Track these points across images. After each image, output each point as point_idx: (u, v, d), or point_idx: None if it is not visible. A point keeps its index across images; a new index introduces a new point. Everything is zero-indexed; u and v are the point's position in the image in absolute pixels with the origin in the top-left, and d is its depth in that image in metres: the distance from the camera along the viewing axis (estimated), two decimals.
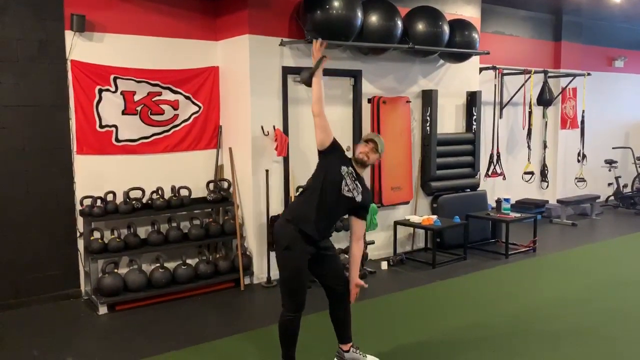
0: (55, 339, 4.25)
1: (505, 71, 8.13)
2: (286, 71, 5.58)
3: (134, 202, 5.17)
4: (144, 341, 4.18)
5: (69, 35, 4.97)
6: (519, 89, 8.23)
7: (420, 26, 6.13)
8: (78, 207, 5.11)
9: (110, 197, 5.14)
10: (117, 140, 5.28)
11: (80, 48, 5.03)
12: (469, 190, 7.23)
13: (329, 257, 3.54)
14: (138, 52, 5.33)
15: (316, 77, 3.44)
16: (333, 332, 3.69)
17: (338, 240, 5.89)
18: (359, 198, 3.45)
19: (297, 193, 5.64)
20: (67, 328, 4.48)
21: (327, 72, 5.73)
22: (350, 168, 3.45)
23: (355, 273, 3.55)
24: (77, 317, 4.73)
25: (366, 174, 6.19)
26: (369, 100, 6.27)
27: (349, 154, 3.58)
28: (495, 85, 8.06)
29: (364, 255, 5.81)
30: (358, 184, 3.47)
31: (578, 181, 9.03)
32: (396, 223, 6.44)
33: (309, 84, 3.49)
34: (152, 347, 4.03)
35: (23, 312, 4.81)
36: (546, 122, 9.01)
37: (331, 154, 3.45)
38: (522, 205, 8.38)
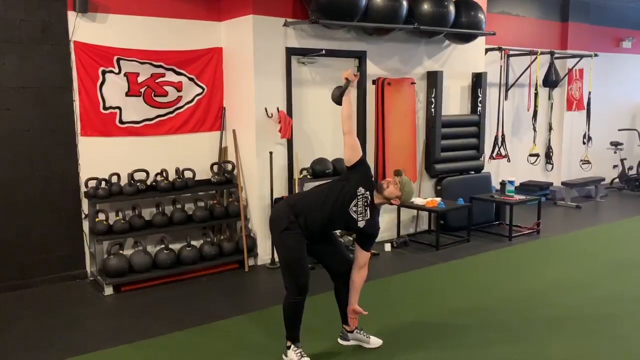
0: (61, 319, 4.30)
1: (511, 52, 8.05)
2: (290, 52, 5.54)
3: (138, 184, 5.19)
4: (149, 321, 4.23)
5: (71, 16, 4.94)
6: (524, 70, 8.17)
7: (426, 6, 6.06)
8: (83, 189, 5.13)
9: (114, 179, 5.16)
10: (121, 122, 5.28)
11: (83, 29, 5.00)
12: (473, 172, 7.22)
13: (328, 240, 3.56)
14: (141, 33, 5.30)
15: (346, 96, 3.47)
16: (337, 313, 3.73)
17: None
18: (361, 224, 3.43)
19: (301, 175, 5.64)
20: (73, 308, 4.52)
21: (331, 53, 5.74)
22: (368, 193, 3.43)
23: (354, 300, 3.57)
24: (83, 298, 4.78)
25: (370, 157, 6.23)
26: (374, 82, 6.23)
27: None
28: (500, 66, 7.98)
29: None
30: (368, 211, 3.44)
31: (583, 163, 9.00)
32: (400, 205, 6.43)
33: (339, 102, 3.51)
34: (157, 328, 4.08)
35: (29, 293, 4.86)
36: (552, 103, 8.95)
37: (356, 172, 3.44)
38: (526, 188, 8.37)
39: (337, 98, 3.53)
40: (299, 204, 3.44)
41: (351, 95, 3.51)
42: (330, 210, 3.38)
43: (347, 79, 3.49)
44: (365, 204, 3.43)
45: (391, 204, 3.51)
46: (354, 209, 3.40)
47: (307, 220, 3.37)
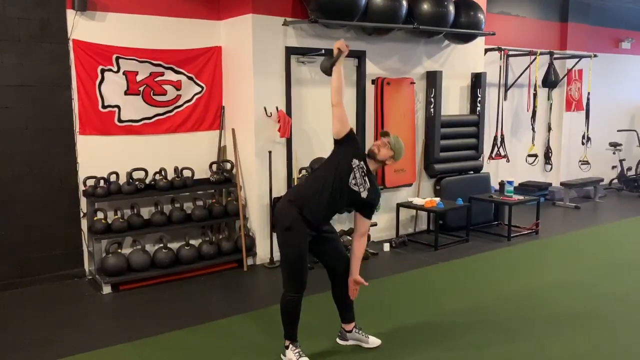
0: (59, 318, 4.29)
1: (510, 52, 8.05)
2: (289, 51, 5.53)
3: (137, 182, 5.18)
4: (147, 320, 4.22)
5: (70, 14, 4.93)
6: (524, 71, 8.17)
7: (425, 6, 6.06)
8: (81, 188, 5.12)
9: (113, 178, 5.15)
10: (119, 120, 5.27)
11: (82, 27, 4.99)
12: (472, 172, 7.22)
13: (330, 239, 3.55)
14: (140, 32, 5.29)
15: (336, 67, 3.42)
16: (336, 312, 3.72)
17: (341, 222, 5.90)
18: (364, 194, 3.42)
19: (300, 175, 5.64)
20: (71, 307, 4.52)
21: (331, 53, 5.71)
22: (362, 162, 3.43)
23: (356, 269, 3.54)
24: (81, 297, 4.77)
25: None
26: (373, 82, 6.23)
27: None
28: (500, 66, 7.99)
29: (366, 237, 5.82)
30: (367, 180, 3.43)
31: (582, 164, 9.01)
32: (399, 205, 6.44)
33: (329, 73, 3.46)
34: (155, 327, 4.07)
35: (27, 292, 4.85)
36: (551, 104, 8.95)
37: (346, 145, 3.43)
38: (525, 188, 8.38)
39: (328, 69, 3.45)
40: (299, 197, 3.42)
41: (341, 67, 3.45)
42: (331, 193, 3.37)
43: (339, 49, 3.42)
44: (363, 173, 3.42)
45: (386, 164, 3.54)
46: (353, 182, 3.39)
47: (312, 210, 3.36)
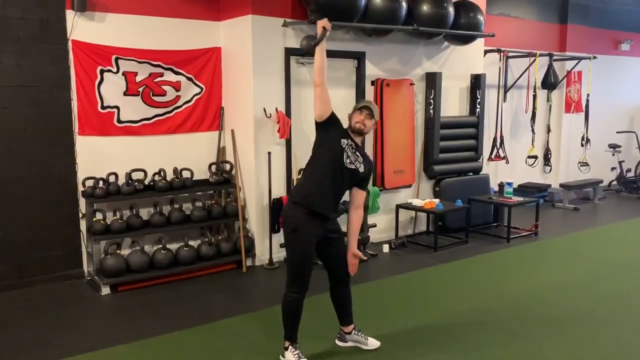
0: (58, 319, 4.28)
1: (510, 54, 8.06)
2: (289, 52, 5.53)
3: (136, 183, 5.17)
4: (146, 321, 4.21)
5: (70, 14, 4.93)
6: (523, 72, 8.18)
7: (425, 7, 6.06)
8: (80, 188, 5.11)
9: (112, 179, 5.14)
10: (119, 121, 5.26)
11: (81, 28, 4.99)
12: (471, 173, 7.22)
13: (335, 240, 3.54)
14: (140, 32, 5.28)
15: (319, 46, 3.38)
16: (334, 314, 3.71)
17: (341, 222, 5.88)
18: (361, 169, 3.44)
19: (299, 176, 5.63)
20: (70, 308, 4.51)
21: (330, 54, 5.68)
22: (349, 140, 3.43)
23: (354, 243, 3.53)
24: (80, 298, 4.76)
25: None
26: (373, 83, 6.22)
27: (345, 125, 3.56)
28: (499, 68, 7.99)
29: (366, 238, 5.83)
30: (359, 154, 3.46)
31: (581, 165, 9.01)
32: (398, 206, 6.43)
33: (311, 52, 3.43)
34: (154, 328, 4.06)
35: (26, 292, 4.84)
36: (550, 105, 8.95)
37: (330, 127, 3.42)
38: (524, 189, 8.37)
39: (311, 48, 3.40)
40: (303, 196, 3.41)
41: (324, 46, 3.39)
42: (332, 179, 3.37)
43: (324, 27, 3.35)
44: (353, 150, 3.43)
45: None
46: (348, 161, 3.39)
47: (321, 202, 3.36)
